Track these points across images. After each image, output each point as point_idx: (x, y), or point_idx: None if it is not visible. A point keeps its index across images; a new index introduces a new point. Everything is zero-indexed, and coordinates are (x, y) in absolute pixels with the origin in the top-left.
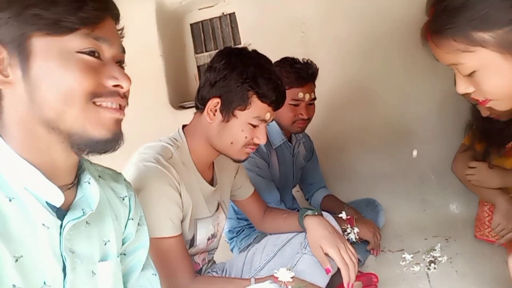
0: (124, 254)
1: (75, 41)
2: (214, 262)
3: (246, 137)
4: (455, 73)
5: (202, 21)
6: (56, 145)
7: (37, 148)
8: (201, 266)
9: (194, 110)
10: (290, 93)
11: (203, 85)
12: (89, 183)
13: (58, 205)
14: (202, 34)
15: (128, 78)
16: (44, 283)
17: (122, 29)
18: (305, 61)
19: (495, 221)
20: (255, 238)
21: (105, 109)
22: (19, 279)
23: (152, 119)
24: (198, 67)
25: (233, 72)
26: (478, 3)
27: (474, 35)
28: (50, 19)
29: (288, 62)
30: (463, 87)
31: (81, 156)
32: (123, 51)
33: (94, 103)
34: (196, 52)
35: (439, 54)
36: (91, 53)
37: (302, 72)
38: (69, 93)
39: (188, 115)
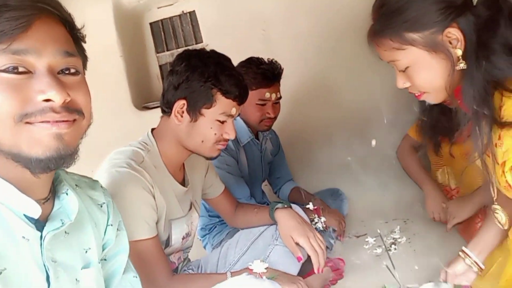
0: (105, 260)
1: None
2: (189, 260)
3: (215, 134)
4: (395, 71)
5: (162, 20)
6: (10, 165)
7: (5, 165)
8: (177, 264)
9: (159, 110)
10: (257, 94)
11: (167, 89)
12: (66, 194)
13: (35, 217)
14: (162, 33)
15: (60, 88)
16: None
17: (74, 29)
18: (270, 61)
19: (429, 210)
20: (227, 234)
21: (39, 127)
22: None
23: (117, 122)
24: (160, 66)
25: (195, 73)
26: (410, 8)
27: (406, 35)
28: None
29: (254, 63)
30: (401, 82)
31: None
32: (69, 53)
33: (27, 122)
34: (157, 52)
35: (380, 53)
36: (13, 70)
37: (268, 73)
38: None
39: (153, 115)
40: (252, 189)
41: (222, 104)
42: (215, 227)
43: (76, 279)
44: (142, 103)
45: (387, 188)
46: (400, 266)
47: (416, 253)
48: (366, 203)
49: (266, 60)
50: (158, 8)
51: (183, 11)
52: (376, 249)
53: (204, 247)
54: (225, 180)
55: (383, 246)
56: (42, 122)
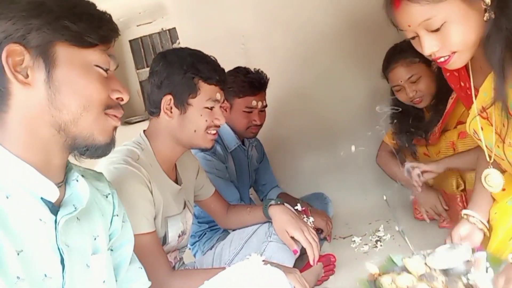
0: (111, 250)
1: (94, 56)
2: (184, 262)
3: (206, 121)
4: (420, 38)
5: (141, 37)
6: (55, 145)
7: (35, 148)
8: (173, 264)
9: (140, 124)
10: (244, 101)
11: (151, 91)
12: (77, 180)
13: (53, 200)
14: (142, 50)
15: (128, 92)
16: (45, 275)
17: None
18: (257, 71)
19: (422, 210)
20: (217, 240)
21: (111, 118)
22: (22, 271)
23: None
24: (140, 82)
25: (174, 67)
26: None
27: None
28: (76, 32)
29: (241, 72)
30: (432, 44)
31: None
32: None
33: (106, 113)
34: (137, 68)
35: (410, 13)
36: (105, 68)
37: (255, 82)
38: (89, 101)
39: (134, 130)
40: (240, 194)
41: (206, 90)
42: (205, 233)
43: (87, 264)
44: (123, 118)
45: (367, 191)
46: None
47: (401, 247)
48: (349, 206)
49: (252, 70)
50: (137, 26)
51: (162, 29)
52: (363, 247)
53: (194, 255)
54: (215, 184)
55: (369, 244)
56: (114, 115)
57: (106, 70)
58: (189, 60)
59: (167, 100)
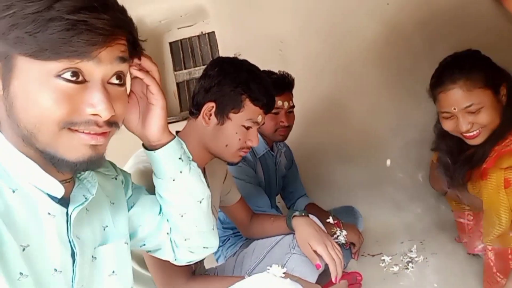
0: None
1: (54, 64)
2: (204, 267)
3: (239, 139)
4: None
5: (181, 40)
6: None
7: (31, 149)
8: (194, 268)
9: (175, 125)
10: None
11: (198, 92)
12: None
13: (59, 196)
14: (181, 52)
15: (109, 105)
16: (55, 270)
17: (132, 32)
18: (282, 73)
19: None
20: (241, 246)
21: (80, 135)
22: (26, 267)
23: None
24: (177, 84)
25: (227, 78)
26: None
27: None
28: (32, 45)
29: (265, 74)
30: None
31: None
32: (123, 59)
33: (69, 128)
34: (175, 70)
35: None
36: (73, 75)
37: (279, 82)
38: (40, 119)
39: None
40: None
41: (250, 110)
42: (229, 239)
43: (93, 256)
44: None
45: (401, 208)
46: (418, 284)
47: (434, 272)
48: (380, 223)
49: (277, 72)
50: (178, 28)
51: (202, 32)
52: (393, 267)
53: (217, 260)
54: (246, 190)
55: (400, 265)
56: (84, 132)
57: (76, 79)
58: (244, 76)
59: (209, 107)
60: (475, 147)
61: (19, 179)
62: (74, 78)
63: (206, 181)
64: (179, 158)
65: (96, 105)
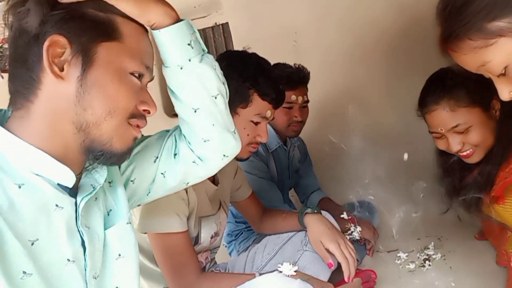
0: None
1: (131, 64)
2: (216, 262)
3: (248, 135)
4: (493, 81)
5: None
6: (74, 143)
7: (54, 141)
8: (204, 264)
9: None
10: None
11: None
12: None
13: (70, 185)
14: None
15: (155, 106)
16: (68, 260)
17: None
18: (297, 66)
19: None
20: (253, 241)
21: (131, 128)
22: (31, 264)
23: (148, 128)
24: None
25: (235, 73)
26: None
27: (487, 26)
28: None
29: (280, 67)
30: (506, 91)
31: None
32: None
33: (129, 121)
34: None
35: (462, 61)
36: (139, 77)
37: (294, 76)
38: (115, 107)
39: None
40: None
41: (258, 105)
42: (242, 233)
43: (102, 242)
44: (172, 111)
45: (419, 203)
46: (435, 282)
47: (453, 269)
48: (396, 218)
49: (292, 65)
50: (192, 19)
51: (216, 23)
52: (409, 265)
53: (230, 254)
54: (258, 185)
55: (417, 262)
56: (136, 125)
57: (140, 79)
58: (252, 71)
59: None
60: (477, 170)
61: (26, 173)
62: (138, 78)
63: (215, 177)
64: (188, 44)
65: (149, 103)
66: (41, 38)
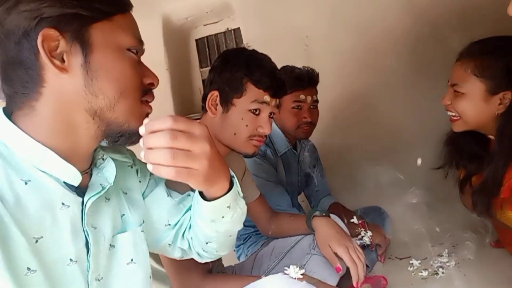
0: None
1: (126, 39)
2: (223, 265)
3: (247, 126)
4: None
5: (207, 36)
6: (86, 132)
7: (63, 135)
8: (210, 266)
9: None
10: (291, 96)
11: (206, 86)
12: (103, 159)
13: (75, 184)
14: (207, 49)
15: (157, 77)
16: (71, 260)
17: None
18: (306, 68)
19: None
20: (262, 244)
21: (144, 106)
22: (36, 261)
23: None
24: (203, 80)
25: (227, 65)
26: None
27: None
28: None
29: (289, 68)
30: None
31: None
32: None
33: (141, 99)
34: (201, 66)
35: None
36: (136, 51)
37: (303, 76)
38: (126, 86)
39: None
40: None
41: (253, 93)
42: (250, 237)
43: (111, 245)
44: (184, 115)
45: (432, 209)
46: None
47: (467, 278)
48: (409, 225)
49: (301, 67)
50: (204, 25)
51: (228, 28)
52: (422, 272)
53: (238, 258)
54: (265, 188)
55: (430, 270)
56: (146, 101)
57: (136, 53)
58: (244, 61)
59: (213, 96)
60: (485, 170)
61: (33, 170)
62: (136, 51)
63: None
64: (228, 207)
65: (151, 76)
66: (32, 35)
